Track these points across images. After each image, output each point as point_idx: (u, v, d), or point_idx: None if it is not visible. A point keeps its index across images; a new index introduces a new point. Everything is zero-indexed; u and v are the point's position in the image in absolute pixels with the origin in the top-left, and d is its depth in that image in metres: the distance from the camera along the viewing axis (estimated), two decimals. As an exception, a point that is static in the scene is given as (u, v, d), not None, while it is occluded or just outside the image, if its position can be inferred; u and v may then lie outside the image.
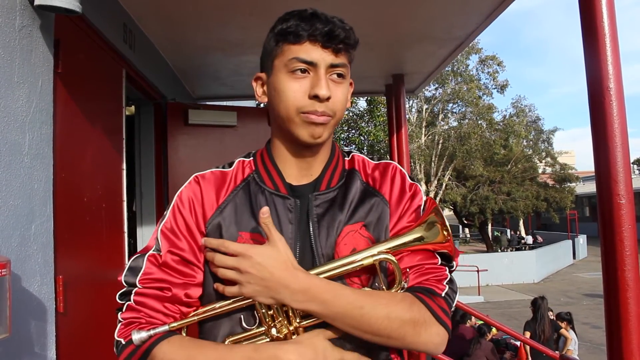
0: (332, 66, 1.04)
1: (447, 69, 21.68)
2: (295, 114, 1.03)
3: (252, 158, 1.17)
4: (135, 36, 3.24)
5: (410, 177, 1.16)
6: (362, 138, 19.93)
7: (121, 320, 1.04)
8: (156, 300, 1.04)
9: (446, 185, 25.65)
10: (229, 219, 1.07)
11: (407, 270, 1.07)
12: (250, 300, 1.00)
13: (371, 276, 1.07)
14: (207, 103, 5.23)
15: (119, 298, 1.06)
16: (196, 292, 1.07)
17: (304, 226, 1.08)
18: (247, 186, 1.12)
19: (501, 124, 26.09)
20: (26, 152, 1.88)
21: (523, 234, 34.33)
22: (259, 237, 1.05)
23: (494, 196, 25.66)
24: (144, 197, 4.16)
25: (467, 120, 24.79)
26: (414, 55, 4.14)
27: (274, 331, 1.01)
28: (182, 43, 3.70)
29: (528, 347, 6.98)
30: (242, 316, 1.04)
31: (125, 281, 1.06)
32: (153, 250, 1.07)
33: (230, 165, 1.16)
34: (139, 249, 1.12)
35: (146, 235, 4.12)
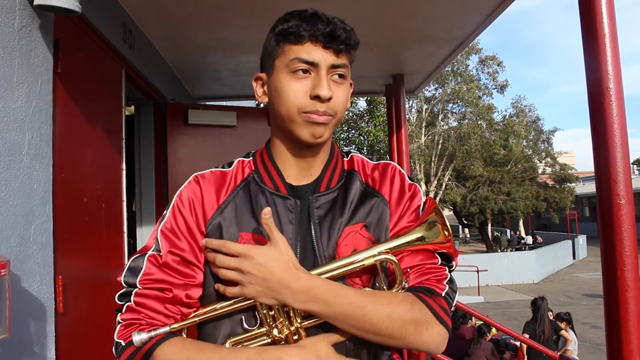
0: (334, 67, 1.04)
1: (447, 69, 21.68)
2: (296, 114, 1.03)
3: (251, 158, 1.17)
4: (135, 36, 3.24)
5: (409, 178, 1.16)
6: (362, 138, 19.93)
7: (121, 321, 1.03)
8: (157, 301, 1.03)
9: (446, 186, 25.66)
10: (229, 219, 1.07)
11: (408, 270, 1.07)
12: (252, 300, 1.00)
13: (372, 276, 1.07)
14: (207, 103, 5.23)
15: (118, 299, 1.05)
16: (196, 292, 1.06)
17: (304, 227, 1.08)
18: (247, 186, 1.11)
19: (501, 124, 26.10)
20: (26, 152, 1.88)
21: (523, 234, 34.33)
22: (260, 237, 1.04)
23: (493, 196, 25.66)
24: (144, 197, 4.16)
25: (467, 121, 24.79)
26: (414, 55, 4.14)
27: (275, 332, 1.01)
28: (181, 43, 3.70)
29: (525, 348, 6.98)
30: (242, 317, 1.04)
31: (124, 282, 1.05)
32: (153, 251, 1.06)
33: (230, 165, 1.15)
34: (138, 249, 1.11)
35: (146, 235, 4.11)
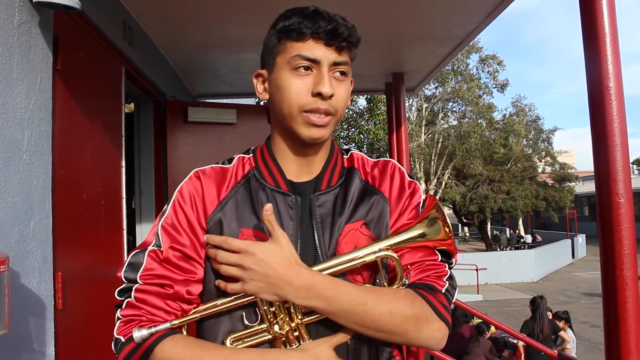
0: (335, 64, 1.04)
1: (447, 67, 21.67)
2: (297, 112, 1.03)
3: (251, 155, 1.17)
4: (134, 33, 3.24)
5: (409, 175, 1.16)
6: (361, 136, 19.92)
7: (120, 317, 1.02)
8: (158, 297, 1.03)
9: (446, 184, 25.66)
10: (230, 215, 1.07)
11: (408, 266, 1.07)
12: (253, 297, 1.00)
13: (373, 273, 1.08)
14: (207, 101, 5.22)
15: (118, 294, 1.05)
16: (197, 288, 1.06)
17: (305, 224, 1.08)
18: (247, 182, 1.11)
19: (501, 123, 26.10)
20: (25, 149, 1.88)
21: (522, 233, 34.35)
22: (260, 233, 1.05)
23: (493, 195, 25.68)
24: (143, 195, 4.16)
25: (467, 119, 24.79)
26: (414, 53, 4.14)
27: (276, 328, 1.01)
28: (181, 40, 3.69)
29: (521, 346, 6.99)
30: (243, 313, 1.04)
31: (125, 277, 1.05)
32: (153, 246, 1.06)
33: (230, 161, 1.15)
34: (137, 245, 1.11)
35: (145, 232, 4.11)
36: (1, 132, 1.74)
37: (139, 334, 0.97)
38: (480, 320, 6.84)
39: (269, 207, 0.97)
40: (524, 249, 25.73)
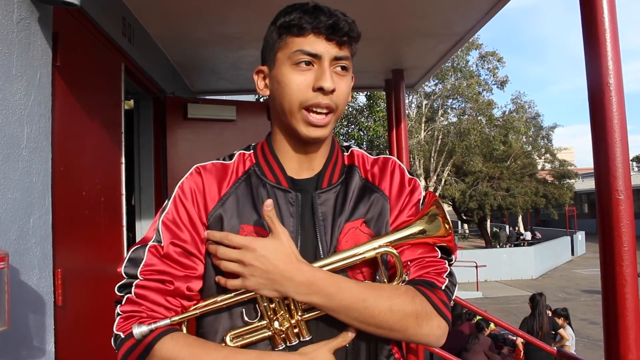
0: (336, 59, 1.04)
1: (447, 64, 21.64)
2: (297, 109, 1.03)
3: (252, 151, 1.17)
4: (134, 30, 3.23)
5: (409, 172, 1.16)
6: (361, 133, 19.93)
7: (120, 313, 1.02)
8: (158, 293, 1.02)
9: (445, 181, 25.67)
10: (230, 211, 1.07)
11: (408, 263, 1.07)
12: (253, 293, 0.99)
13: (373, 269, 1.08)
14: (206, 97, 5.22)
15: (118, 290, 1.05)
16: (197, 284, 1.06)
17: (305, 220, 1.08)
18: (248, 179, 1.11)
19: (501, 120, 26.10)
20: (24, 146, 1.87)
21: (522, 230, 34.40)
22: (261, 230, 1.05)
23: (493, 192, 25.69)
24: (143, 191, 4.15)
25: (466, 116, 24.79)
26: (414, 50, 4.13)
27: (276, 324, 1.01)
28: (181, 37, 3.69)
29: (521, 343, 7.00)
30: (243, 310, 1.04)
31: (125, 272, 1.04)
32: (153, 242, 1.05)
33: (231, 157, 1.15)
34: (137, 241, 1.11)
35: (145, 229, 4.11)
36: (0, 129, 1.73)
37: (138, 330, 0.97)
38: (480, 317, 6.85)
39: (269, 203, 0.97)
40: (523, 246, 25.76)
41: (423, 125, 24.63)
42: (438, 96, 24.67)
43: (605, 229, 1.79)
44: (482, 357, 6.59)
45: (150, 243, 1.06)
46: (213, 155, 1.21)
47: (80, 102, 2.42)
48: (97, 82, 2.74)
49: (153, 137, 4.14)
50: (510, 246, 26.48)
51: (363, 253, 1.02)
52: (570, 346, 7.24)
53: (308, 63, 1.03)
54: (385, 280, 1.05)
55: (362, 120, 20.00)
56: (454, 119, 25.46)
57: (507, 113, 26.78)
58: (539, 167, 30.37)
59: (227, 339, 1.02)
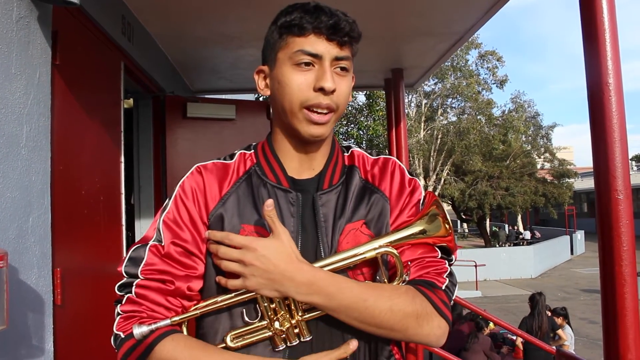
0: (337, 59, 1.04)
1: (446, 63, 21.65)
2: (298, 109, 1.03)
3: (252, 151, 1.16)
4: (133, 29, 3.23)
5: (409, 172, 1.16)
6: (360, 132, 19.92)
7: (120, 312, 1.02)
8: (159, 293, 1.02)
9: (445, 180, 25.67)
10: (231, 211, 1.06)
11: (408, 263, 1.07)
12: (253, 293, 0.99)
13: (373, 270, 1.07)
14: (206, 96, 5.21)
15: (118, 289, 1.04)
16: (198, 284, 1.06)
17: (306, 220, 1.08)
18: (249, 178, 1.11)
19: (500, 119, 26.09)
20: (24, 144, 1.87)
21: (521, 229, 34.42)
22: (261, 229, 1.04)
23: (492, 191, 25.69)
24: (142, 190, 4.15)
25: (466, 115, 24.79)
26: (413, 49, 4.13)
27: (276, 325, 1.01)
28: (180, 36, 3.68)
29: (520, 343, 7.00)
30: (243, 310, 1.03)
31: (125, 272, 1.04)
32: (154, 241, 1.05)
33: (232, 157, 1.15)
34: (137, 240, 1.10)
35: (144, 228, 4.11)
36: (0, 128, 1.73)
37: (139, 330, 0.96)
38: (479, 317, 6.85)
39: (269, 202, 0.97)
40: (522, 245, 25.78)
41: (422, 124, 24.63)
42: (437, 95, 24.67)
43: (605, 229, 1.80)
44: (481, 357, 6.60)
45: (151, 242, 1.05)
46: (212, 154, 1.20)
47: (79, 101, 2.42)
48: (97, 81, 2.74)
49: (152, 136, 4.13)
50: (509, 245, 26.48)
51: (363, 253, 1.02)
52: (570, 345, 7.24)
53: (308, 63, 1.03)
54: (385, 280, 1.05)
55: (362, 119, 20.00)
56: (454, 118, 25.48)
57: (506, 112, 26.78)
58: (538, 166, 30.35)
59: (228, 339, 1.02)
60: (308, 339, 1.02)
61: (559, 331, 7.22)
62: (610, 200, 1.77)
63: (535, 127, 29.56)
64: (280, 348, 1.02)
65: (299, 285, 0.96)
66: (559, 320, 7.33)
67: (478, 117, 24.52)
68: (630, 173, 1.95)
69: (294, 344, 1.02)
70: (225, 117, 4.35)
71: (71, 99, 2.34)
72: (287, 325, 1.01)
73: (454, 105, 25.78)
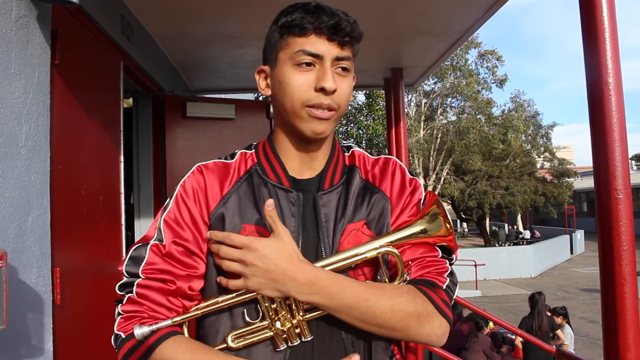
0: (338, 59, 1.04)
1: (446, 63, 21.64)
2: (300, 108, 1.03)
3: (253, 150, 1.16)
4: (133, 28, 3.23)
5: (410, 172, 1.16)
6: (360, 132, 19.92)
7: (121, 312, 1.01)
8: (160, 293, 1.02)
9: (444, 180, 25.67)
10: (232, 211, 1.06)
11: (409, 263, 1.07)
12: (254, 293, 0.99)
13: (374, 269, 1.07)
14: (205, 96, 5.21)
15: (119, 289, 1.04)
16: (199, 284, 1.05)
17: (306, 220, 1.08)
18: (250, 178, 1.11)
19: (500, 118, 26.11)
20: (23, 144, 1.87)
21: (521, 228, 34.43)
22: (262, 229, 1.04)
23: (492, 191, 25.69)
24: (142, 190, 4.15)
25: (465, 115, 24.79)
26: (413, 49, 4.13)
27: (277, 325, 1.01)
28: (180, 35, 3.68)
29: (520, 342, 7.00)
30: (244, 310, 1.03)
31: (126, 271, 1.04)
32: (155, 240, 1.05)
33: (232, 156, 1.15)
34: (138, 239, 1.10)
35: (144, 228, 4.11)
36: (-1, 127, 1.73)
37: (140, 331, 0.96)
38: (479, 317, 6.85)
39: (270, 202, 0.97)
40: (522, 244, 25.76)
41: (422, 123, 24.63)
42: (437, 95, 24.66)
43: (605, 228, 1.80)
44: (481, 356, 6.60)
45: (152, 242, 1.05)
46: (212, 154, 1.20)
47: (79, 101, 2.42)
48: (96, 80, 2.74)
49: (152, 135, 4.13)
50: (509, 245, 26.47)
51: (364, 253, 1.02)
52: (569, 345, 7.24)
53: (309, 63, 1.02)
54: (386, 280, 1.05)
55: (362, 118, 20.01)
56: (453, 118, 25.48)
57: (506, 112, 26.80)
58: (538, 165, 30.35)
59: (229, 339, 1.02)
60: (309, 338, 1.02)
61: (558, 332, 7.22)
62: (610, 199, 1.77)
63: (534, 126, 29.57)
64: (282, 348, 1.02)
65: (300, 285, 0.96)
66: (558, 320, 7.33)
67: (478, 117, 24.53)
68: (630, 172, 1.95)
69: (295, 344, 1.02)
70: (225, 117, 4.35)
71: (70, 98, 2.34)
72: (288, 325, 1.01)
73: (453, 105, 25.81)
